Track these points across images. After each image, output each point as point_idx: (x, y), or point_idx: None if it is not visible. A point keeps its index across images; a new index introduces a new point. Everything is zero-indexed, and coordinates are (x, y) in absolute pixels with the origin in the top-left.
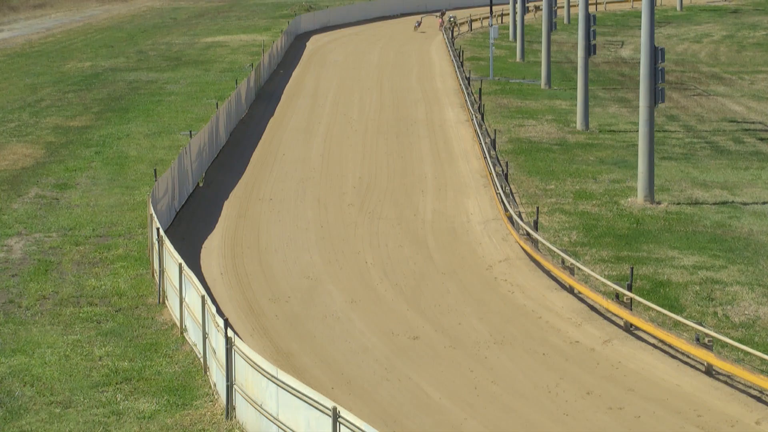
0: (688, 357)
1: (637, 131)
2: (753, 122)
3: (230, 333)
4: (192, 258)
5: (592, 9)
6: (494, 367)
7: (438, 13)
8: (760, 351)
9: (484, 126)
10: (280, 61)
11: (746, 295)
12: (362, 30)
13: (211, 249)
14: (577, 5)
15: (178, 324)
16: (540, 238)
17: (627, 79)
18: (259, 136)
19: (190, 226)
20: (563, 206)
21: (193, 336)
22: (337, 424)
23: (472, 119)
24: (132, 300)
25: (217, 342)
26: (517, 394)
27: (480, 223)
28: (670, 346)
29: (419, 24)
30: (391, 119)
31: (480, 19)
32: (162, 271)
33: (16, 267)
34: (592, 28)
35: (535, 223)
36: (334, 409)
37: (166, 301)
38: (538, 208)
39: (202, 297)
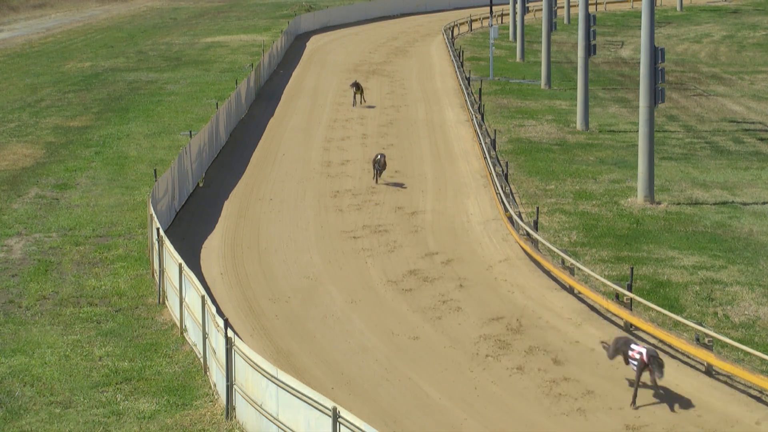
0: (688, 357)
1: (637, 131)
2: (753, 122)
3: (230, 333)
4: (192, 258)
5: (592, 9)
6: (494, 367)
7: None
8: (760, 351)
9: (484, 126)
10: (280, 61)
11: (746, 295)
12: (362, 30)
13: (211, 249)
14: (577, 5)
15: (178, 324)
16: (540, 238)
17: (627, 79)
18: (259, 136)
19: (190, 226)
20: (563, 206)
21: (193, 336)
22: (337, 424)
23: (472, 119)
24: (132, 300)
25: (217, 342)
26: (517, 394)
27: (480, 223)
28: (670, 346)
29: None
30: (391, 119)
31: (480, 19)
32: (162, 271)
33: (16, 267)
34: (592, 28)
35: (535, 223)
36: (334, 409)
37: (166, 301)
38: (538, 208)
39: (202, 297)
